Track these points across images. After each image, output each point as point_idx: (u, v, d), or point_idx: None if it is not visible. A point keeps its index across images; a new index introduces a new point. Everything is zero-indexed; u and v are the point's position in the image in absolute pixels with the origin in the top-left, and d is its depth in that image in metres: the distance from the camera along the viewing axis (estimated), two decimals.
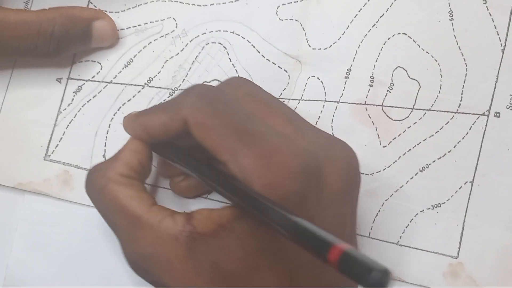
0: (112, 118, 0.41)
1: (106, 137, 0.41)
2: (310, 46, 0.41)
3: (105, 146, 0.41)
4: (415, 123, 0.41)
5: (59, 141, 0.41)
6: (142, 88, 0.41)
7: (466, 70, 0.41)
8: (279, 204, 0.28)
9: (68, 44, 0.39)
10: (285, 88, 0.41)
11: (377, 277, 0.21)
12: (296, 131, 0.33)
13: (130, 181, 0.34)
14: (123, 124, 0.36)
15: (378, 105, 0.41)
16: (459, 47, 0.41)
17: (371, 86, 0.41)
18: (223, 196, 0.32)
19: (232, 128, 0.31)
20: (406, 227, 0.41)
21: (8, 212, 0.42)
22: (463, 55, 0.41)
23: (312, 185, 0.31)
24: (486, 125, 0.41)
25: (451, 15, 0.41)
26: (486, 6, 0.41)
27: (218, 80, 0.41)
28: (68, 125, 0.41)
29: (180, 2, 0.42)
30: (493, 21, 0.41)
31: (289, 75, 0.41)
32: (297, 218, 0.27)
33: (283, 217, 0.27)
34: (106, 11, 0.41)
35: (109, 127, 0.41)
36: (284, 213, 0.27)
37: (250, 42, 0.41)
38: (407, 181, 0.41)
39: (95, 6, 0.42)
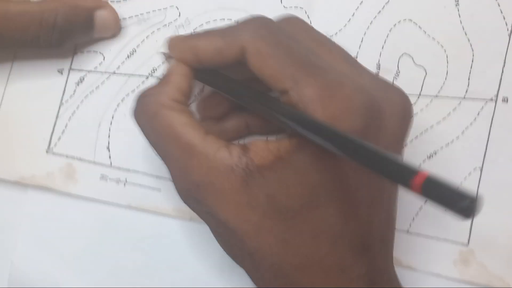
0: (116, 109, 0.41)
1: (109, 128, 0.41)
2: None
3: (108, 137, 0.41)
4: (422, 109, 0.41)
5: (62, 134, 0.41)
6: (146, 79, 0.41)
7: (473, 56, 0.41)
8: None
9: (70, 34, 0.39)
10: None
11: (467, 204, 0.21)
12: (353, 70, 0.33)
13: (182, 107, 0.33)
14: (169, 44, 0.35)
15: None
16: (465, 32, 0.41)
17: (377, 73, 0.41)
18: (279, 123, 0.31)
19: (294, 57, 0.31)
20: (416, 215, 0.40)
21: (11, 208, 0.41)
22: (469, 41, 0.41)
23: (373, 125, 0.31)
24: (494, 111, 0.40)
25: (456, 1, 0.41)
26: None
27: None
28: (70, 117, 0.41)
29: None
30: (499, 6, 0.41)
31: None
32: (374, 146, 0.26)
33: (358, 144, 0.26)
34: (108, 0, 0.41)
35: (112, 118, 0.41)
36: (359, 140, 0.26)
37: None
38: None
39: None
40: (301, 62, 0.31)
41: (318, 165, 0.30)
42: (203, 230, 0.40)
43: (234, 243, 0.32)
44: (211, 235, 0.38)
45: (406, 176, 0.24)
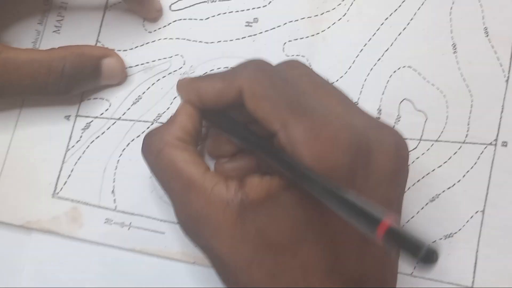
0: (121, 154, 0.41)
1: (115, 173, 0.41)
2: None
3: (113, 182, 0.41)
4: (423, 154, 0.41)
5: (68, 178, 0.41)
6: (151, 124, 0.41)
7: (472, 101, 0.41)
8: (328, 177, 0.29)
9: (78, 82, 0.39)
10: None
11: (426, 253, 0.22)
12: (347, 111, 0.34)
13: (185, 145, 0.34)
14: (177, 86, 0.37)
15: None
16: (463, 78, 0.42)
17: (378, 118, 0.41)
18: (271, 165, 0.32)
19: (285, 100, 0.32)
20: None
21: (15, 252, 0.41)
22: (468, 87, 0.42)
23: (361, 162, 0.31)
24: (494, 155, 0.41)
25: (454, 48, 0.42)
26: (488, 39, 0.42)
27: None
28: (76, 162, 0.41)
29: (187, 39, 0.42)
30: (496, 53, 0.42)
31: None
32: (345, 192, 0.27)
33: (331, 190, 0.27)
34: (114, 49, 0.42)
35: (117, 163, 0.41)
36: (331, 186, 0.27)
37: None
38: (418, 212, 0.41)
39: (104, 45, 0.42)
40: (291, 104, 0.32)
41: (305, 203, 0.31)
42: (207, 273, 0.40)
43: (229, 277, 0.33)
44: (215, 278, 0.38)
45: (372, 224, 0.24)
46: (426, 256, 0.22)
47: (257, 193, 0.31)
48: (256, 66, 0.34)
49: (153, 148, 0.35)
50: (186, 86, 0.36)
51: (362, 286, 0.32)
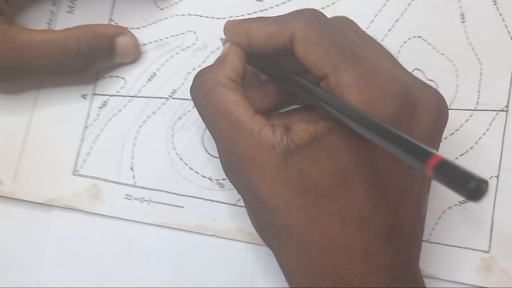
0: (138, 131, 0.42)
1: (133, 149, 0.42)
2: None
3: (132, 158, 0.41)
4: None
5: (87, 156, 0.42)
6: (167, 100, 0.42)
7: (481, 69, 0.42)
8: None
9: (93, 61, 0.40)
10: None
11: (475, 185, 0.22)
12: (395, 67, 0.35)
13: (236, 86, 0.35)
14: (225, 27, 0.38)
15: None
16: (472, 47, 0.42)
17: None
18: (318, 106, 0.33)
19: (338, 47, 0.33)
20: (436, 224, 0.41)
21: (37, 229, 0.42)
22: (476, 55, 0.42)
23: (406, 113, 0.32)
24: (506, 120, 0.41)
25: (462, 18, 0.42)
26: (497, 7, 0.42)
27: None
28: (95, 140, 0.42)
29: (199, 15, 0.43)
30: (504, 21, 0.42)
31: None
32: (396, 129, 0.27)
33: (382, 126, 0.28)
34: (127, 27, 0.42)
35: (135, 139, 0.42)
36: (384, 124, 0.28)
37: None
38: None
39: (117, 23, 0.43)
40: (343, 51, 0.32)
41: (350, 147, 0.32)
42: (226, 245, 0.41)
43: (265, 218, 0.33)
44: (234, 250, 0.39)
45: (422, 157, 0.25)
46: (476, 188, 0.22)
47: (302, 137, 0.32)
48: (311, 14, 0.35)
49: (204, 86, 0.35)
50: (235, 27, 0.37)
51: (393, 238, 0.32)
